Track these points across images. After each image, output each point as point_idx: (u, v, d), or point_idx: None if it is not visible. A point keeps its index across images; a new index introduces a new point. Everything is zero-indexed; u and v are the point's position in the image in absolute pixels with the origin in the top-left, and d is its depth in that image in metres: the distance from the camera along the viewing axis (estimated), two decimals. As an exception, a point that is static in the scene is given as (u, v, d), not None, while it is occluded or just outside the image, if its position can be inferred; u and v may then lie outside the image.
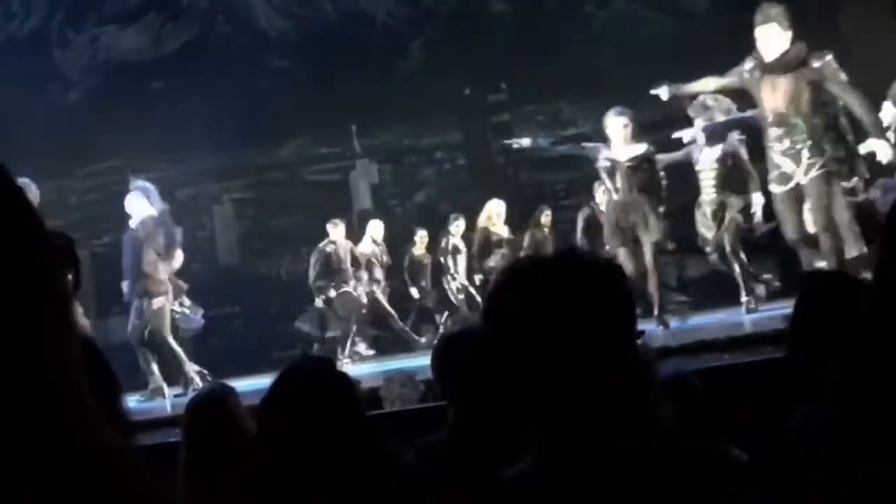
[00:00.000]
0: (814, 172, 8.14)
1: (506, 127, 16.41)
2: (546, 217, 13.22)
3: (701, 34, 15.44)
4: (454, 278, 13.17)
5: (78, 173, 13.27)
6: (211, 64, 15.35)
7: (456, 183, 15.83)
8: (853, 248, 8.17)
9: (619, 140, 9.66)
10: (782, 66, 8.16)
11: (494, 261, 12.64)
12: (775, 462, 2.30)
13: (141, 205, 10.25)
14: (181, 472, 3.48)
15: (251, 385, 8.85)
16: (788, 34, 8.17)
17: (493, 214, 12.90)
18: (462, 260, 13.22)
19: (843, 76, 8.12)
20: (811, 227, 8.35)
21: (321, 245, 12.75)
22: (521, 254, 12.56)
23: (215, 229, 15.90)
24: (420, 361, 9.28)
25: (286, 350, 12.21)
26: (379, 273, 13.05)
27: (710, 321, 10.51)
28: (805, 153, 8.14)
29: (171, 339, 10.27)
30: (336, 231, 12.82)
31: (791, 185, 8.25)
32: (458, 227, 13.17)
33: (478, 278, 12.88)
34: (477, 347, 3.64)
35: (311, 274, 12.72)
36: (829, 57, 8.12)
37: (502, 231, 12.95)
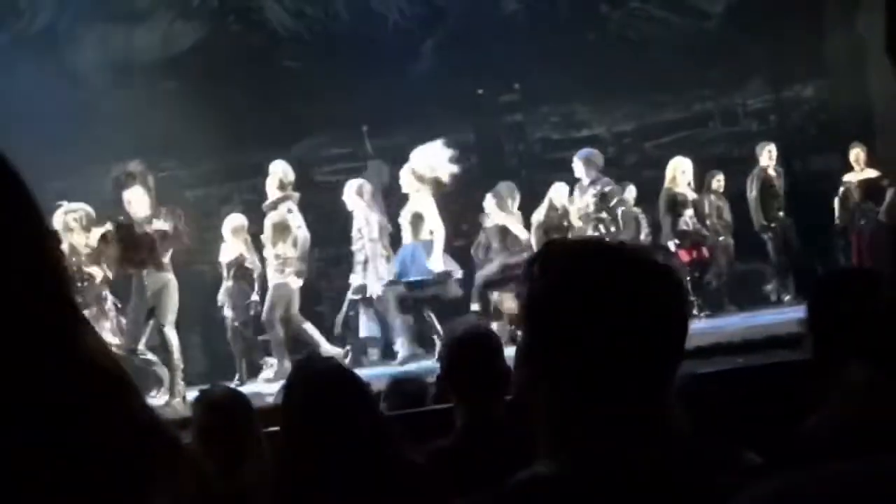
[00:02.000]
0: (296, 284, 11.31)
1: (519, 127, 16.36)
2: (718, 182, 13.15)
3: (716, 35, 15.40)
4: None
5: (87, 172, 13.24)
6: (221, 64, 15.33)
7: (468, 183, 15.76)
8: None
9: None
10: (268, 207, 11.54)
11: (684, 223, 12.26)
12: (791, 466, 2.25)
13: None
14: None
15: (257, 388, 8.86)
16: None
17: (678, 173, 12.48)
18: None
19: (295, 222, 11.26)
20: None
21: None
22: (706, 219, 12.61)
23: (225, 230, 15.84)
24: (431, 363, 9.26)
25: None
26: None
27: (725, 323, 10.50)
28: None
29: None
30: None
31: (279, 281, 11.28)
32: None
33: (672, 244, 12.12)
34: (486, 348, 3.59)
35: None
36: (285, 206, 11.23)
37: (687, 191, 12.51)
